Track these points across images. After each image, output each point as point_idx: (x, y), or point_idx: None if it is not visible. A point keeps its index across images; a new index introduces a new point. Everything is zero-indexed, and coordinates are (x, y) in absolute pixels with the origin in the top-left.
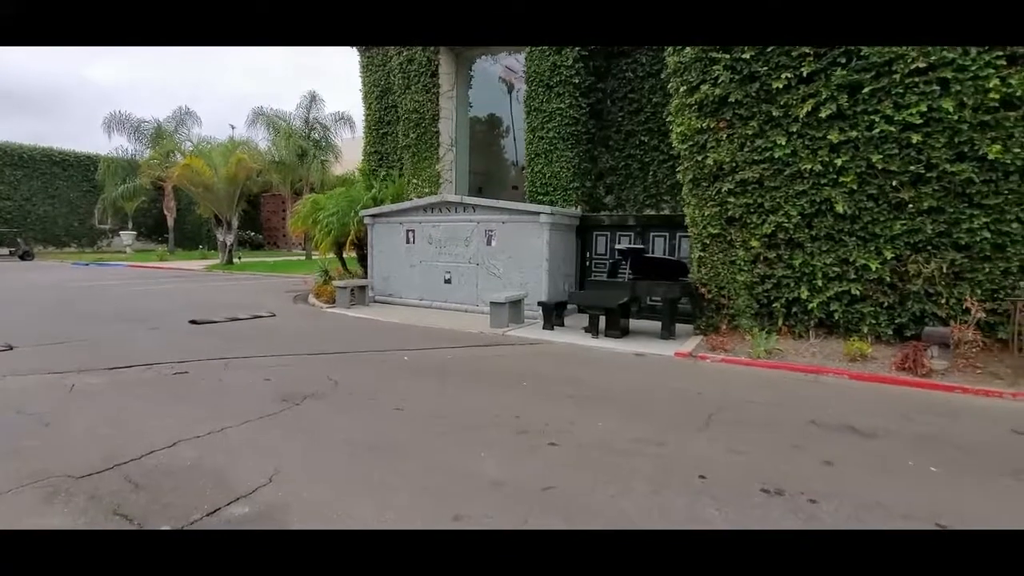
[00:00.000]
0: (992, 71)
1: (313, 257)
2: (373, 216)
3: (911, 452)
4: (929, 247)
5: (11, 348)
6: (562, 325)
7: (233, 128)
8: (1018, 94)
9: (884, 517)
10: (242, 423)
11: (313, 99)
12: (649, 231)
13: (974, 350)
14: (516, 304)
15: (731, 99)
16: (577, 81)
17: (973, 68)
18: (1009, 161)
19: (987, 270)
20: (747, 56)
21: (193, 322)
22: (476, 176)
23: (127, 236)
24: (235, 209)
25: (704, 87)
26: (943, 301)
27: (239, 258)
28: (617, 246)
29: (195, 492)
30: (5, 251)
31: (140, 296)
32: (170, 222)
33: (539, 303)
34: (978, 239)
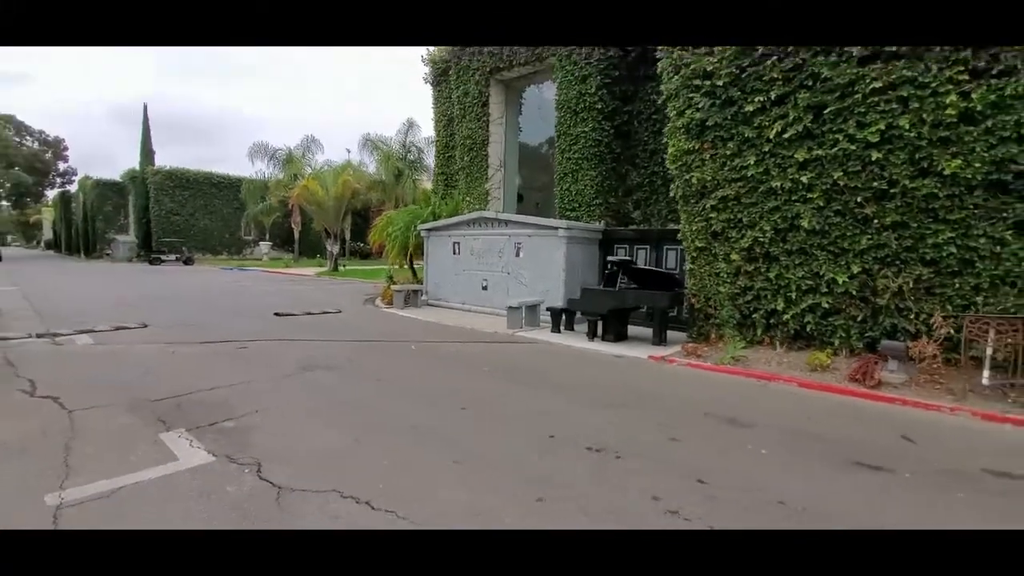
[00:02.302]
0: (952, 87)
1: (406, 267)
2: (428, 230)
3: (767, 440)
4: (897, 262)
5: (146, 326)
6: (571, 329)
7: (349, 152)
8: (979, 109)
9: (659, 468)
10: (264, 380)
11: (410, 125)
12: (663, 244)
13: (935, 365)
14: (532, 309)
15: (710, 122)
16: (600, 106)
17: (933, 84)
18: (971, 176)
19: (957, 285)
20: (722, 83)
21: (277, 314)
22: (535, 193)
23: (264, 246)
24: (341, 223)
25: (688, 112)
26: (912, 316)
27: (343, 266)
28: (609, 258)
29: (209, 413)
30: (172, 257)
31: (256, 294)
32: (296, 234)
33: (547, 308)
34: (944, 254)
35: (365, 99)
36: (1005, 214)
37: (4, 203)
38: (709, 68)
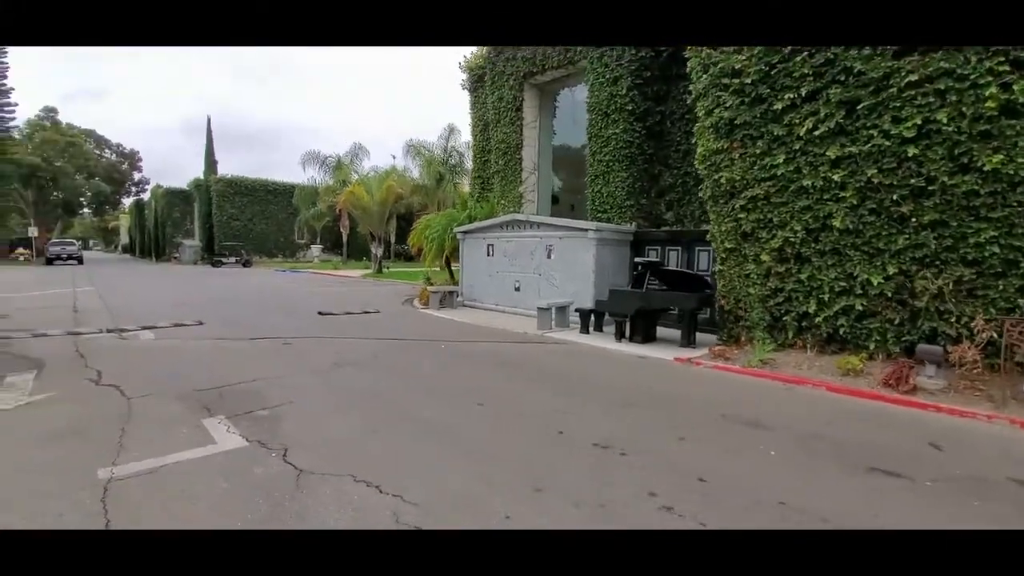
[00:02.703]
0: (992, 78)
1: (444, 269)
2: (464, 232)
3: (781, 443)
4: (937, 262)
5: (202, 323)
6: (600, 331)
7: (394, 158)
8: (1021, 101)
9: (662, 466)
10: (299, 374)
11: (451, 131)
12: (695, 245)
13: (975, 371)
14: (562, 310)
15: (738, 121)
16: (631, 108)
17: (972, 76)
18: (1013, 172)
19: (1000, 287)
20: (751, 81)
21: (320, 313)
22: (572, 195)
23: (316, 249)
24: (385, 227)
25: (717, 111)
26: (953, 319)
27: (388, 268)
28: (637, 259)
29: (247, 402)
30: (232, 260)
31: (304, 295)
32: (344, 238)
33: (576, 310)
34: (987, 254)
35: (412, 106)
36: None
37: (86, 211)
38: (738, 66)
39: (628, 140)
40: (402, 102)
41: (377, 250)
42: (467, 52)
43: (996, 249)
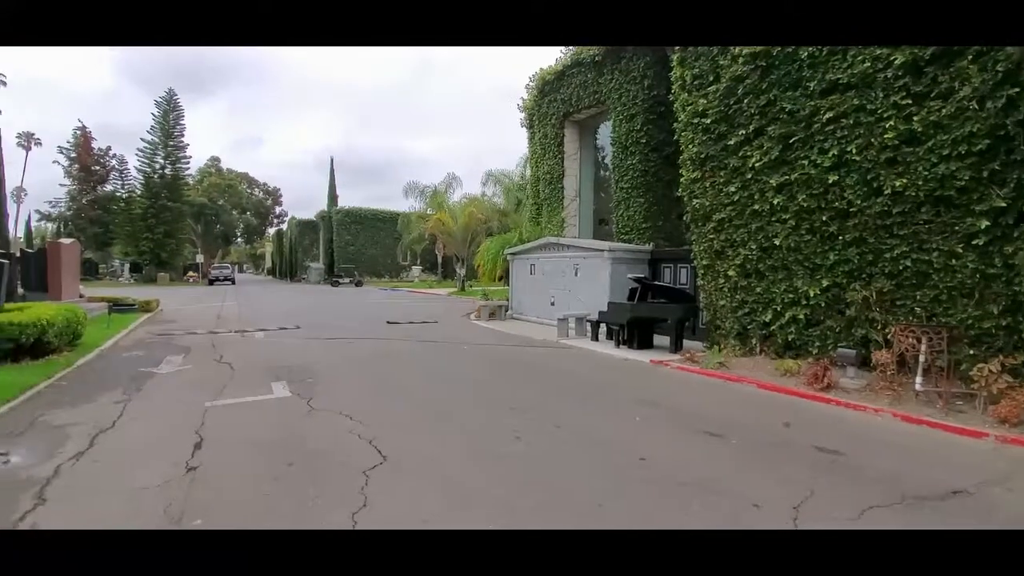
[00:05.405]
0: (895, 111)
1: (505, 286)
2: (512, 254)
3: (657, 416)
4: (863, 275)
5: (299, 328)
6: (610, 339)
7: (484, 185)
8: (919, 130)
9: (540, 420)
10: (346, 361)
11: (527, 159)
12: None
13: (889, 372)
14: (581, 320)
15: (704, 155)
16: (645, 140)
17: (879, 111)
18: (915, 193)
19: (917, 297)
20: (711, 120)
21: (388, 322)
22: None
23: (416, 270)
24: (467, 249)
25: (690, 146)
26: (879, 326)
27: (470, 286)
28: (629, 275)
29: (302, 374)
30: (347, 280)
31: (388, 308)
32: (439, 259)
33: (586, 320)
34: (902, 267)
35: (502, 136)
36: (956, 228)
37: (240, 240)
38: (702, 108)
39: (644, 169)
40: (495, 132)
41: (461, 270)
42: (524, 95)
43: (909, 263)
